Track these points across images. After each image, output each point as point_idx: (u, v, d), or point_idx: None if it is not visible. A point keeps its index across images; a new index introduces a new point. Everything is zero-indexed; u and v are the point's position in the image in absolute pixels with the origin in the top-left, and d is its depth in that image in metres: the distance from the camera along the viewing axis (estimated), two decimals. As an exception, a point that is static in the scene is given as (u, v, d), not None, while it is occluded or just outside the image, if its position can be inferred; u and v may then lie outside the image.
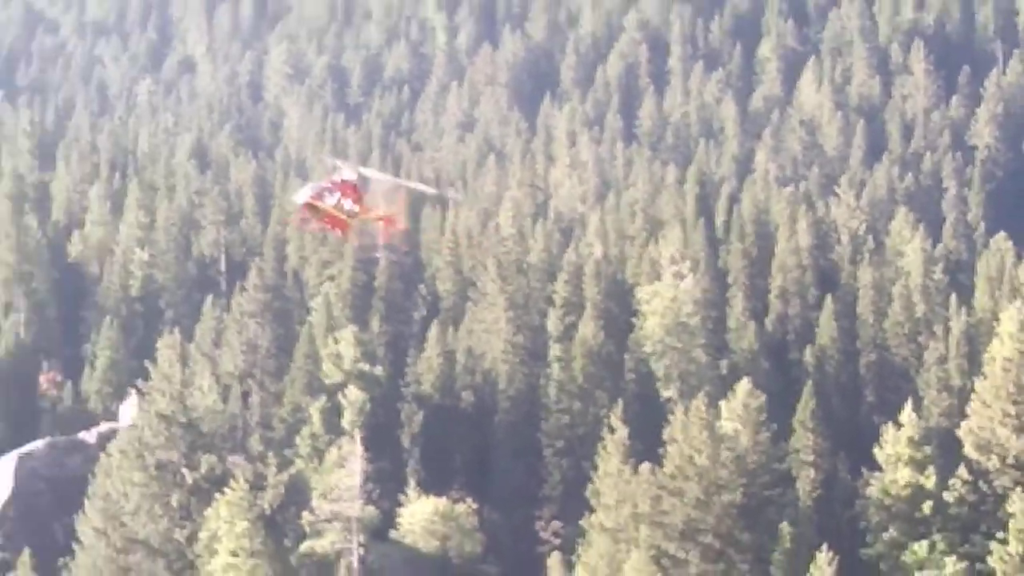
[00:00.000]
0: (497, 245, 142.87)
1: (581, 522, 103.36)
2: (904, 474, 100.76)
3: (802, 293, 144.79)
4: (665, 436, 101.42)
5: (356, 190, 60.33)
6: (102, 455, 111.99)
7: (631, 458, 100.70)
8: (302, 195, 60.47)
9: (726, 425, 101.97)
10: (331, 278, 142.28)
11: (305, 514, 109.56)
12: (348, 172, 60.82)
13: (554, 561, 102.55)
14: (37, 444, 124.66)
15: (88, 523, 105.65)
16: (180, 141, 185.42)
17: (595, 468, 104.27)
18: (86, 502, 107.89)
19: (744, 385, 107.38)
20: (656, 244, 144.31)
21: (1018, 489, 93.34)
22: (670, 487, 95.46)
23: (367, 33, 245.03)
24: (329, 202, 59.31)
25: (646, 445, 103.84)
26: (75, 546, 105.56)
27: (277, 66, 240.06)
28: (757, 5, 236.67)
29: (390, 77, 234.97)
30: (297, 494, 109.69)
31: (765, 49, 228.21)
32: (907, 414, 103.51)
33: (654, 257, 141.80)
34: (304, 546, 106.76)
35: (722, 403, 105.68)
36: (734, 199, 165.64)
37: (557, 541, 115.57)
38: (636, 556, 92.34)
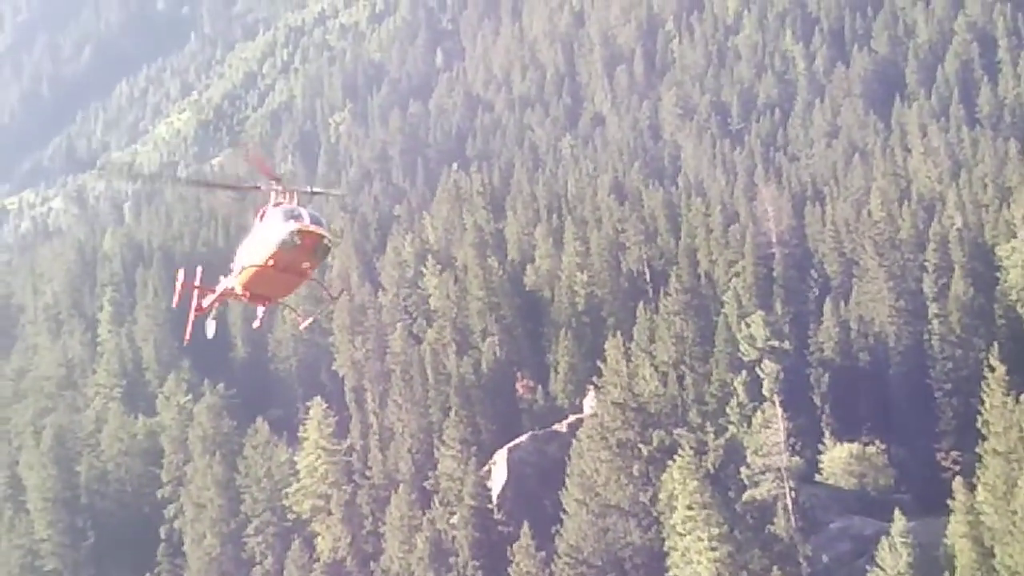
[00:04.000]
0: (871, 228, 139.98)
1: (976, 449, 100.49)
2: None
3: None
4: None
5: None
6: (574, 441, 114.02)
7: (1012, 390, 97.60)
8: (287, 234, 37.48)
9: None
10: (737, 274, 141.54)
11: (743, 469, 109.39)
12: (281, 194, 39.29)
13: (958, 485, 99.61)
14: (522, 438, 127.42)
15: (570, 496, 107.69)
16: (600, 182, 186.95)
17: (982, 403, 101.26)
18: (566, 480, 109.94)
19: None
20: (1008, 208, 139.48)
21: None
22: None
23: (739, 70, 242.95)
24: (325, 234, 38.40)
25: (1023, 378, 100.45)
26: (562, 516, 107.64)
27: (669, 108, 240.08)
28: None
29: (763, 103, 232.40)
30: (734, 454, 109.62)
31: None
32: None
33: (1008, 219, 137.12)
34: (746, 495, 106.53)
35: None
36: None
37: (957, 468, 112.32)
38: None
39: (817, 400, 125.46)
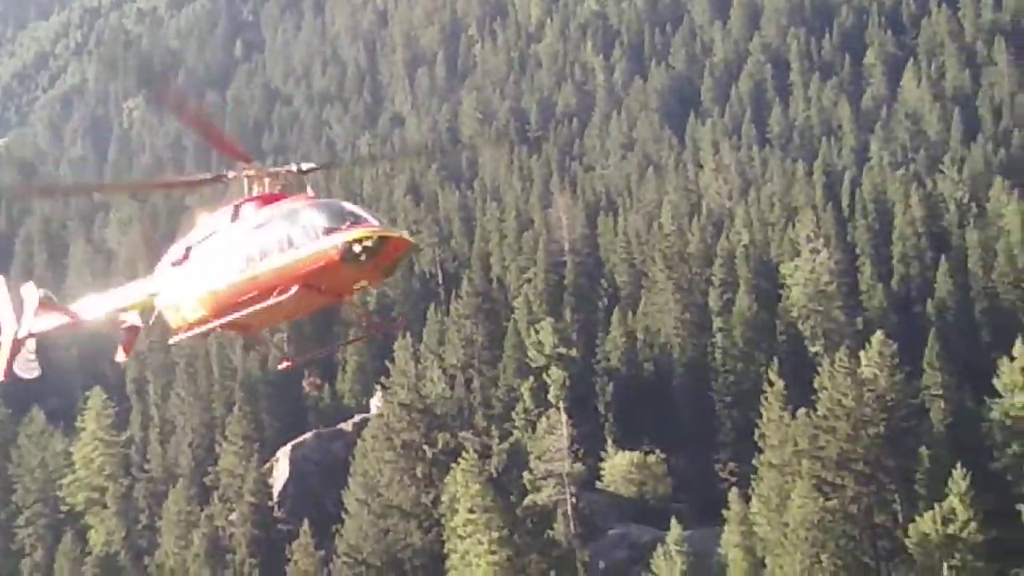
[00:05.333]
0: (661, 241, 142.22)
1: (752, 462, 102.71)
2: (1021, 398, 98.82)
3: (920, 256, 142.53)
4: (816, 384, 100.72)
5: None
6: (359, 440, 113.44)
7: (789, 405, 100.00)
8: (348, 243, 27.59)
9: (866, 371, 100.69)
10: (528, 280, 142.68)
11: (525, 474, 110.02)
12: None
13: (733, 496, 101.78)
14: (307, 436, 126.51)
15: (352, 496, 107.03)
16: (397, 182, 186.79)
17: (760, 416, 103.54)
18: (349, 479, 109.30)
19: (878, 337, 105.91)
20: (793, 227, 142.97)
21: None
22: (824, 426, 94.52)
23: (540, 79, 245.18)
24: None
25: (800, 393, 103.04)
26: (343, 515, 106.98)
27: (469, 113, 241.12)
28: (860, 21, 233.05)
29: (561, 112, 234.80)
30: (517, 458, 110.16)
31: (870, 56, 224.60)
32: (1018, 348, 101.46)
33: (792, 238, 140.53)
34: (527, 500, 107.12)
35: (861, 353, 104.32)
36: (855, 184, 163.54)
37: (734, 479, 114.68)
38: (800, 485, 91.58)
39: (601, 408, 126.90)
